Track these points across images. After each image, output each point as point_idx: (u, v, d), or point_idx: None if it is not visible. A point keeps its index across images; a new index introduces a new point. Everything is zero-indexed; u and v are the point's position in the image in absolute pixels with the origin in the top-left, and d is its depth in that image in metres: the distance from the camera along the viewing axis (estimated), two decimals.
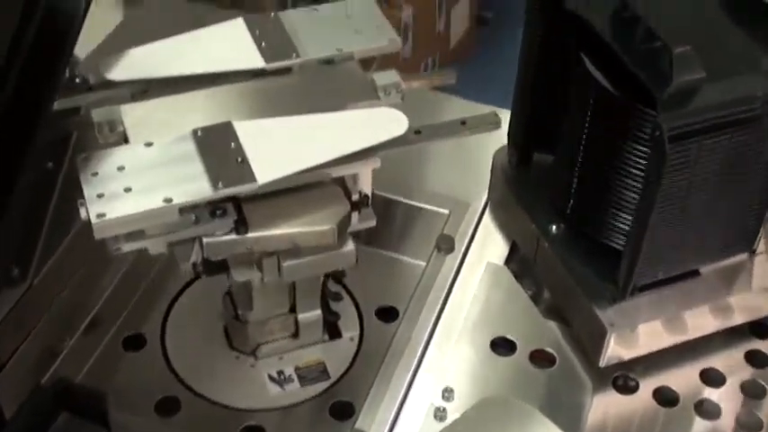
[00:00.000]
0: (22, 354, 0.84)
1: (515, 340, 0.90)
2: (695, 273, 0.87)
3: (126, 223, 0.66)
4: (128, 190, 0.68)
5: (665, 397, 0.86)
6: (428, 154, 1.05)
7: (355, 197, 0.78)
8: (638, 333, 0.84)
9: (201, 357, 0.91)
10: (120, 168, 0.70)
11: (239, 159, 0.70)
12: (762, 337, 0.91)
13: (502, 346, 0.90)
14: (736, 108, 0.73)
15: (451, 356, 0.88)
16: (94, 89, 0.77)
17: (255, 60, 0.79)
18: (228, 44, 0.80)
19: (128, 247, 0.68)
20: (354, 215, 0.78)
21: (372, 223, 0.80)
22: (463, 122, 0.78)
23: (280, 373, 0.91)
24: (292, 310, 0.90)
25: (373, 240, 1.00)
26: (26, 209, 0.82)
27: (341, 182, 0.76)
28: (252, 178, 0.69)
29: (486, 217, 1.01)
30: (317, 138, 0.73)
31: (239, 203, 0.72)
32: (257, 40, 0.80)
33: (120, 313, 0.93)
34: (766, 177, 0.80)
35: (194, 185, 0.68)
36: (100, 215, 0.66)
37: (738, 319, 0.89)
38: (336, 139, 0.73)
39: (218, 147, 0.71)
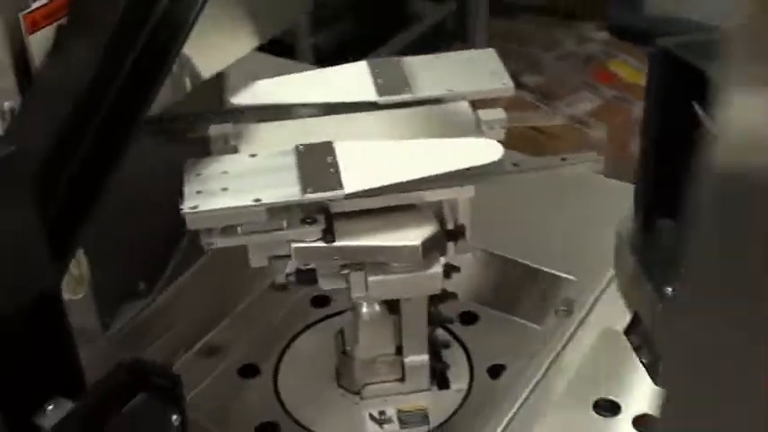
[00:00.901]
0: None
1: (620, 403, 0.86)
2: None
3: (215, 218, 0.71)
4: (224, 189, 0.73)
5: None
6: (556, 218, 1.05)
7: (450, 226, 0.79)
8: None
9: (308, 390, 0.94)
10: (223, 173, 0.75)
11: (332, 171, 0.74)
12: None
13: (604, 407, 0.86)
14: None
15: (553, 413, 0.86)
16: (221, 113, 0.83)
17: (370, 94, 0.83)
18: (348, 80, 0.85)
19: (221, 242, 0.73)
20: (450, 246, 0.79)
21: (469, 255, 0.81)
22: (563, 159, 0.78)
23: (381, 413, 0.92)
24: (399, 352, 0.91)
25: (493, 301, 1.00)
26: (166, 226, 0.87)
27: (436, 209, 0.78)
28: (339, 186, 0.72)
29: (612, 286, 0.98)
30: (410, 158, 0.76)
31: (331, 216, 0.75)
32: (375, 77, 0.85)
33: (240, 341, 0.98)
34: None
35: (285, 190, 0.72)
36: (192, 207, 0.71)
37: None
38: (429, 160, 0.75)
39: (315, 160, 0.75)
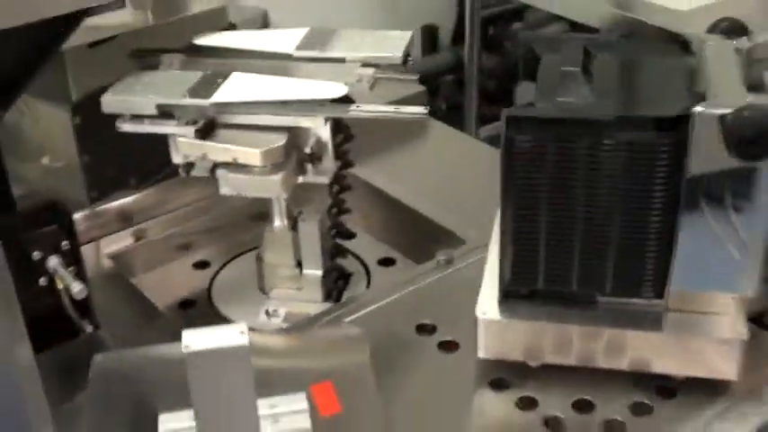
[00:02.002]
0: None
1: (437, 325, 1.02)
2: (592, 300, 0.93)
3: (119, 104, 0.98)
4: (139, 89, 1.00)
5: None
6: None
7: (307, 150, 1.00)
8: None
9: (235, 285, 1.18)
10: (149, 81, 1.02)
11: (213, 88, 0.99)
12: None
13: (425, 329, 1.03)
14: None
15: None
16: None
17: (289, 49, 1.07)
18: (284, 37, 1.09)
19: (127, 127, 0.99)
20: (310, 168, 1.01)
21: (325, 180, 1.02)
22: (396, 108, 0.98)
23: (275, 311, 1.14)
24: (300, 265, 1.13)
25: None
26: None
27: (296, 135, 1.00)
28: (207, 97, 0.97)
29: None
30: (277, 89, 0.99)
31: (211, 124, 0.99)
32: (305, 39, 1.08)
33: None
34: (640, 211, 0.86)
35: (173, 94, 0.98)
36: (110, 95, 0.99)
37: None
38: (289, 92, 0.98)
39: (209, 81, 1.00)
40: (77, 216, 1.17)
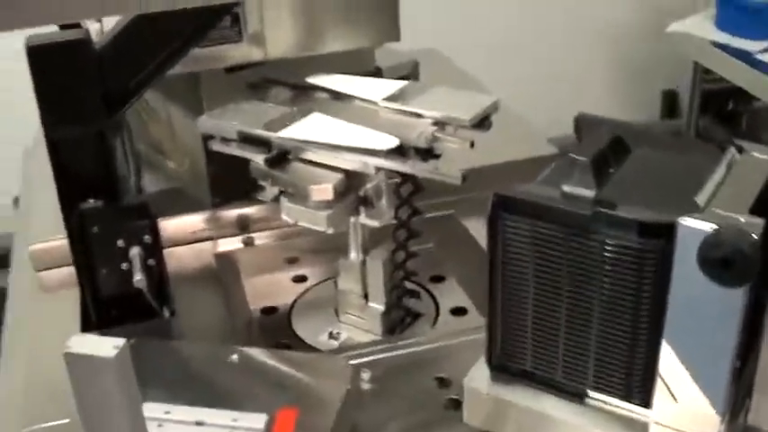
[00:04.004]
0: None
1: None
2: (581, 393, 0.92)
3: (208, 127, 1.12)
4: (230, 115, 1.13)
5: None
6: None
7: (361, 193, 1.09)
8: None
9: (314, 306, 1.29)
10: (243, 109, 1.15)
11: (287, 124, 1.10)
12: None
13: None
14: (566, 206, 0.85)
15: None
16: None
17: (377, 97, 1.16)
18: (379, 86, 1.18)
19: (217, 147, 1.13)
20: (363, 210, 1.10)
21: (376, 224, 1.10)
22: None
23: (338, 333, 1.23)
24: (366, 297, 1.21)
25: None
26: None
27: (354, 177, 1.08)
28: (276, 131, 1.08)
29: None
30: (338, 133, 1.08)
31: (283, 154, 1.10)
32: (400, 90, 1.16)
33: None
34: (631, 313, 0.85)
35: (252, 124, 1.10)
36: (204, 118, 1.13)
37: None
38: (347, 136, 1.07)
39: (291, 117, 1.12)
40: (198, 216, 1.35)
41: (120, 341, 0.71)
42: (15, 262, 1.33)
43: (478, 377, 0.97)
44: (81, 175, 1.11)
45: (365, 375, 1.06)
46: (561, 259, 0.86)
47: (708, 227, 0.77)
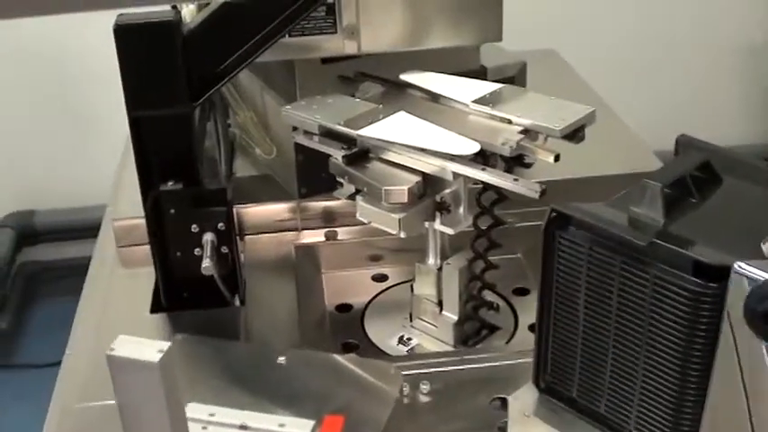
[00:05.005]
0: None
1: None
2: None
3: (291, 119, 1.10)
4: (314, 109, 1.11)
5: None
6: None
7: (438, 199, 1.04)
8: None
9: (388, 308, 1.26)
10: (329, 103, 1.13)
11: (369, 122, 1.06)
12: None
13: None
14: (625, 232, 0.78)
15: None
16: None
17: (467, 99, 1.11)
18: (471, 87, 1.13)
19: (299, 139, 1.11)
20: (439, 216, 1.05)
21: (450, 231, 1.05)
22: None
23: (409, 338, 1.19)
24: (440, 304, 1.17)
25: None
26: None
27: (432, 181, 1.04)
28: (356, 128, 1.05)
29: None
30: (419, 135, 1.04)
31: (364, 152, 1.07)
32: (492, 93, 1.11)
33: None
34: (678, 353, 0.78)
35: (334, 119, 1.08)
36: (287, 109, 1.11)
37: None
38: (427, 139, 1.02)
39: (374, 115, 1.08)
40: (284, 206, 1.33)
41: (165, 344, 0.69)
42: (102, 235, 1.35)
43: (525, 398, 0.91)
44: (161, 157, 1.11)
45: (424, 387, 1.02)
46: (612, 287, 0.80)
47: (763, 276, 0.70)
